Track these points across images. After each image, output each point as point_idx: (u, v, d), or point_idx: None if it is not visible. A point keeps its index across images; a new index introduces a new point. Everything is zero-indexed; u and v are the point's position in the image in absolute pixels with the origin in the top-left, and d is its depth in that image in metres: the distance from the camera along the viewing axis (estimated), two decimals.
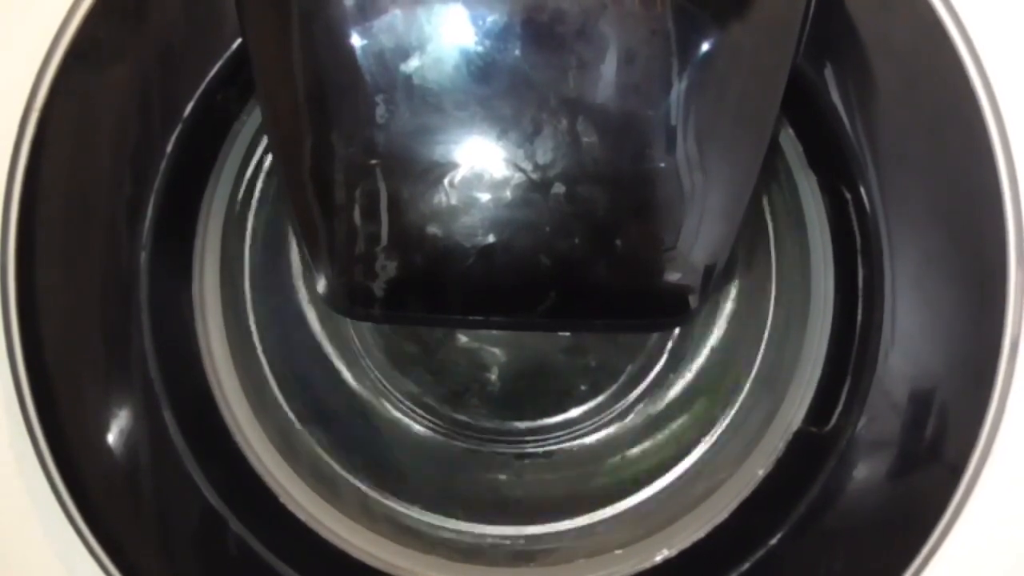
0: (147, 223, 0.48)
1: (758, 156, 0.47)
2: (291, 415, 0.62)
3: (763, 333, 0.62)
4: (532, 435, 0.68)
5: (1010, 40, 0.47)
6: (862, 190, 0.47)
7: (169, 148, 0.47)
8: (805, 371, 0.54)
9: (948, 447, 0.48)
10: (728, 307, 0.66)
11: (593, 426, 0.68)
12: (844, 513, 0.48)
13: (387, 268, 0.47)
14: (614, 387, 0.69)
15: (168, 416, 0.49)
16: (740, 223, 0.47)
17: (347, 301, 0.49)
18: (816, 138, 0.50)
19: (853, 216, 0.49)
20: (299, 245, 0.53)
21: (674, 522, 0.55)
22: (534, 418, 0.68)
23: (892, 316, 0.47)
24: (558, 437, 0.68)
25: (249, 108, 0.52)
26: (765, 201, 0.61)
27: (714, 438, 0.61)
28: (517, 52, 0.44)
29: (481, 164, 0.45)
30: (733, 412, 0.61)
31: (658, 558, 0.53)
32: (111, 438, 0.49)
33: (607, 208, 0.46)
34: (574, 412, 0.69)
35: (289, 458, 0.57)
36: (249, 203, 0.60)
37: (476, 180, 0.45)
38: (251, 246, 0.61)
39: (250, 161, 0.56)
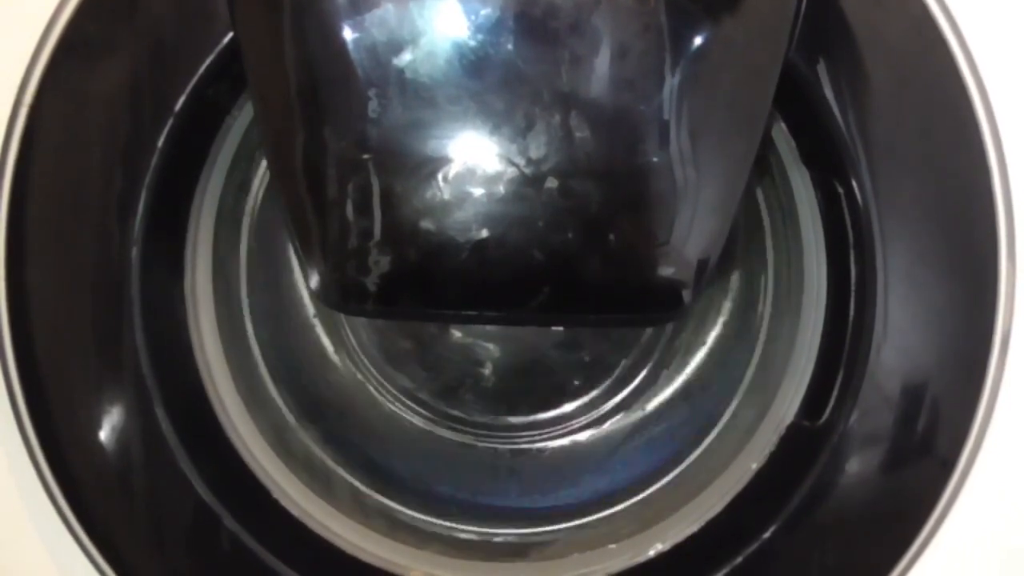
0: (138, 218, 0.47)
1: (751, 150, 0.47)
2: (284, 410, 0.62)
3: (757, 328, 0.62)
4: (526, 430, 0.68)
5: (1001, 36, 0.47)
6: (854, 185, 0.47)
7: (160, 143, 0.47)
8: (798, 365, 0.54)
9: (940, 441, 0.48)
10: (721, 302, 0.66)
11: (587, 421, 0.68)
12: (836, 507, 0.49)
13: (380, 263, 0.46)
14: (608, 382, 0.69)
15: (160, 412, 0.49)
16: (733, 218, 0.47)
17: (340, 296, 0.48)
18: (809, 133, 0.50)
19: (846, 211, 0.49)
20: (291, 240, 0.52)
21: (668, 516, 0.55)
22: (528, 413, 0.68)
23: (884, 310, 0.47)
24: (552, 432, 0.68)
25: (241, 103, 0.51)
26: (760, 195, 0.61)
27: (708, 434, 0.61)
28: (510, 46, 0.44)
29: (474, 159, 0.45)
30: (727, 407, 0.61)
31: (652, 552, 0.53)
32: (103, 435, 0.48)
33: (600, 203, 0.46)
34: (568, 407, 0.69)
35: (282, 454, 0.57)
36: (242, 198, 0.60)
37: (469, 175, 0.45)
38: (244, 241, 0.61)
39: (242, 156, 0.56)
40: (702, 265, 0.47)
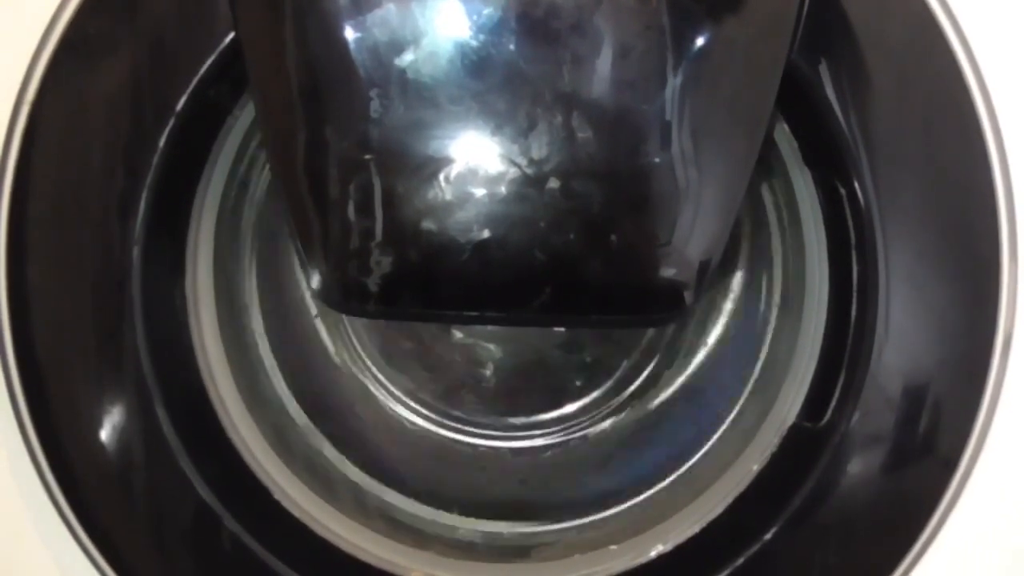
0: (139, 218, 0.47)
1: (753, 152, 0.47)
2: (285, 410, 0.62)
3: (758, 329, 0.62)
4: (527, 431, 0.68)
5: (1004, 36, 0.47)
6: (856, 186, 0.47)
7: (162, 143, 0.47)
8: (800, 366, 0.54)
9: (942, 441, 0.48)
10: (723, 303, 0.66)
11: (589, 422, 0.68)
12: (838, 507, 0.49)
13: (381, 263, 0.46)
14: (609, 383, 0.69)
15: (161, 412, 0.49)
16: (735, 219, 0.47)
17: (341, 297, 0.48)
18: (811, 133, 0.50)
19: (847, 211, 0.49)
20: (293, 240, 0.52)
21: (669, 517, 0.55)
22: (529, 414, 0.68)
23: (886, 311, 0.47)
24: (553, 433, 0.68)
25: (242, 102, 0.51)
26: (762, 196, 0.61)
27: (710, 434, 0.61)
28: (512, 47, 0.44)
29: (476, 159, 0.45)
30: (729, 408, 0.61)
31: (653, 553, 0.53)
32: (104, 435, 0.48)
33: (602, 203, 0.46)
34: (569, 408, 0.69)
35: (283, 454, 0.57)
36: (243, 198, 0.60)
37: (471, 175, 0.45)
38: (245, 241, 0.61)
39: (244, 156, 0.56)
40: (704, 266, 0.47)
